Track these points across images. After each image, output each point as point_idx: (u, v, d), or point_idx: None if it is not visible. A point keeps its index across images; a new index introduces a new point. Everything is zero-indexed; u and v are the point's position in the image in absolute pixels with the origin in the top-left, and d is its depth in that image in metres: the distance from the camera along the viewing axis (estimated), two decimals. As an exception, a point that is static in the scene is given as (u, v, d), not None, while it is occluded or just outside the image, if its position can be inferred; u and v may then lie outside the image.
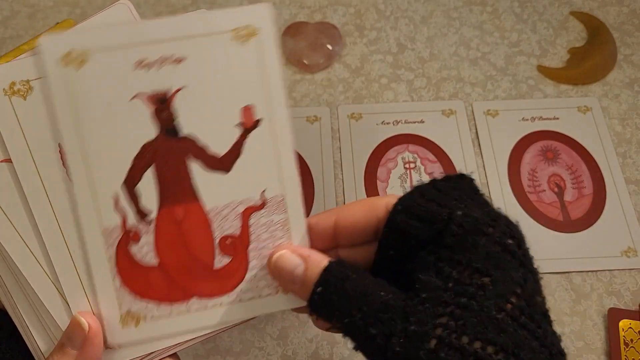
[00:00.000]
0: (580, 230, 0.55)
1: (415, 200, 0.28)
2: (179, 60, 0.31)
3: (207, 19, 0.31)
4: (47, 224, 0.31)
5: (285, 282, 0.30)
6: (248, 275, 0.32)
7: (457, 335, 0.24)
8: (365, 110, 0.62)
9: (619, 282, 0.53)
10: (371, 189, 0.57)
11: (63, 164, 0.30)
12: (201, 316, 0.32)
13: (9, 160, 0.30)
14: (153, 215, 0.31)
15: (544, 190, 0.57)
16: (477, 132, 0.61)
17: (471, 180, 0.29)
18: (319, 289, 0.27)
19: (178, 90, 0.31)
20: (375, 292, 0.26)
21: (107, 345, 0.31)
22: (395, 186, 0.57)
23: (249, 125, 0.32)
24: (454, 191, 0.28)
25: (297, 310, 0.32)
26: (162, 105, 0.31)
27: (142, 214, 0.31)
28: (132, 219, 0.31)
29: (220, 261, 0.32)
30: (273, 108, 0.31)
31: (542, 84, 0.64)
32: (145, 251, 0.31)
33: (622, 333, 0.49)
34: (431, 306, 0.25)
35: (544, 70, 0.64)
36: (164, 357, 0.32)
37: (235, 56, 0.31)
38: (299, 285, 0.29)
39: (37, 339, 0.31)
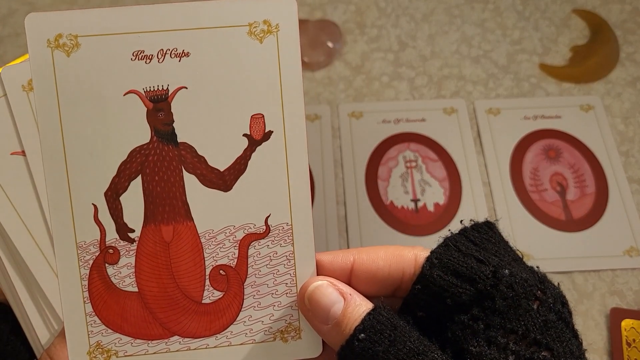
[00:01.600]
0: (582, 230, 0.55)
1: (451, 255, 0.25)
2: (182, 55, 0.27)
3: (218, 9, 0.27)
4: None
5: (315, 319, 0.26)
6: (241, 315, 0.28)
7: None
8: (366, 109, 0.61)
9: (622, 282, 0.52)
10: (372, 188, 0.57)
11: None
12: (181, 358, 0.28)
13: (23, 153, 0.31)
14: (137, 233, 0.27)
15: (546, 190, 0.57)
16: (478, 131, 0.60)
17: (498, 229, 0.27)
18: (361, 335, 0.23)
19: (179, 89, 0.27)
20: (430, 353, 0.23)
21: None
22: (396, 185, 0.57)
23: (257, 138, 0.27)
24: (489, 244, 0.26)
25: None
26: (159, 105, 0.27)
27: (124, 230, 0.27)
28: (112, 234, 0.27)
29: (210, 295, 0.28)
30: (288, 120, 0.27)
31: (544, 82, 0.63)
32: (123, 275, 0.27)
33: (624, 333, 0.49)
34: None
35: (546, 69, 0.64)
36: None
37: (248, 55, 0.27)
38: (333, 327, 0.25)
39: (38, 330, 0.31)
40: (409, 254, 0.26)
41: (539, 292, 0.24)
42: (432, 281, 0.25)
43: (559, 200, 0.56)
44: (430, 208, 0.56)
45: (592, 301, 0.51)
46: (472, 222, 0.27)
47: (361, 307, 0.25)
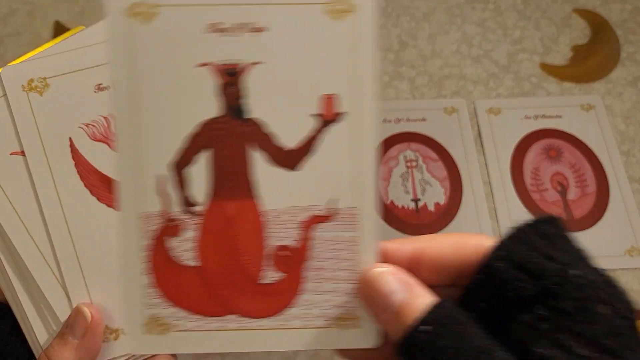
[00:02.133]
0: (583, 229, 0.55)
1: (518, 247, 0.24)
2: (258, 30, 0.26)
3: None
4: (54, 217, 0.31)
5: (375, 306, 0.25)
6: (299, 299, 0.27)
7: None
8: (366, 108, 0.61)
9: (622, 282, 0.52)
10: (372, 187, 0.57)
11: (72, 157, 0.32)
12: (237, 337, 0.27)
13: (22, 153, 0.32)
14: (200, 207, 0.27)
15: (547, 189, 0.57)
16: (479, 131, 0.60)
17: (564, 224, 0.26)
18: (424, 328, 0.23)
19: (252, 64, 0.27)
20: (495, 352, 0.22)
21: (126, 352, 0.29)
22: (396, 185, 0.57)
23: (328, 118, 0.27)
24: (557, 239, 0.25)
25: (347, 354, 0.28)
26: (231, 79, 0.27)
27: (188, 204, 0.27)
28: (175, 207, 0.27)
29: (269, 276, 0.27)
30: (361, 102, 0.27)
31: (545, 81, 0.63)
32: (184, 248, 0.27)
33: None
34: None
35: (547, 68, 0.64)
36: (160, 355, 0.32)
37: (324, 33, 0.26)
38: (392, 315, 0.24)
39: (37, 331, 0.31)
40: (470, 241, 0.26)
41: (608, 296, 0.23)
42: (495, 272, 0.24)
43: (560, 200, 0.56)
44: (431, 208, 0.56)
45: (593, 301, 0.51)
46: (540, 216, 0.26)
47: (425, 298, 0.24)
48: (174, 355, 0.33)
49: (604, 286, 0.23)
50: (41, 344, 0.31)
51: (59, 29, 0.66)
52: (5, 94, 0.32)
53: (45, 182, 0.31)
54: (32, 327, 0.32)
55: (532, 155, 0.59)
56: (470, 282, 0.25)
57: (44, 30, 0.66)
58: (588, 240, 0.54)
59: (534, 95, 0.63)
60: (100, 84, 0.32)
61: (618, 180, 0.57)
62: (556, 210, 0.56)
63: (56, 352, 0.30)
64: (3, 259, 0.32)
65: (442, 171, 0.58)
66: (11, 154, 0.32)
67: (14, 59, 0.34)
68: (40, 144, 0.32)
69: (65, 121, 0.32)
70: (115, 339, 0.31)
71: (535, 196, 0.56)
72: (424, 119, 0.61)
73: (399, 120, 0.61)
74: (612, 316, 0.22)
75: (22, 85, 0.31)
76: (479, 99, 0.62)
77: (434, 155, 0.58)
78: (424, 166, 0.58)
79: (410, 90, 0.63)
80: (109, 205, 0.32)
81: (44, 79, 0.32)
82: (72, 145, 0.32)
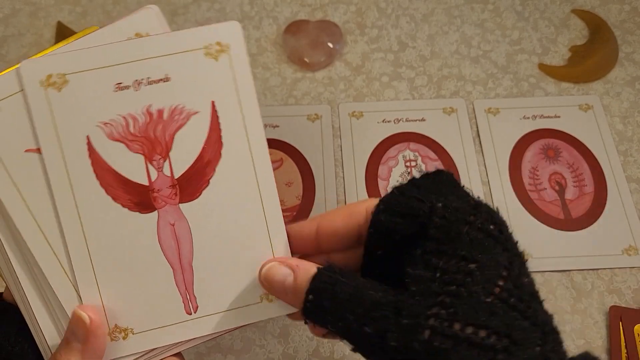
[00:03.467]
0: (581, 229, 0.55)
1: (395, 198, 0.29)
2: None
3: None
4: (68, 216, 0.31)
5: (277, 292, 0.31)
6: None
7: (449, 323, 0.24)
8: (366, 109, 0.62)
9: (620, 281, 0.53)
10: (372, 187, 0.57)
11: (89, 155, 0.32)
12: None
13: (38, 151, 0.31)
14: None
15: (545, 189, 0.57)
16: (478, 130, 0.61)
17: (450, 174, 0.30)
18: (310, 297, 0.28)
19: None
20: (365, 292, 0.27)
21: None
22: (396, 184, 0.57)
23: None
24: (433, 185, 0.29)
25: (292, 317, 0.33)
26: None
27: None
28: None
29: None
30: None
31: (543, 82, 0.64)
32: None
33: (638, 338, 0.49)
34: (421, 298, 0.25)
35: (545, 69, 0.64)
36: (167, 356, 0.32)
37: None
38: (292, 294, 0.29)
39: (45, 332, 0.31)
40: (360, 208, 0.30)
41: (471, 217, 0.27)
42: (380, 224, 0.28)
43: (558, 200, 0.57)
44: (430, 207, 0.56)
45: (591, 299, 0.52)
46: (422, 172, 0.30)
47: (309, 272, 0.28)
48: (181, 357, 0.33)
49: (468, 209, 0.27)
50: (50, 345, 0.31)
51: (62, 30, 0.66)
52: (22, 90, 0.31)
53: (60, 181, 0.31)
54: (40, 328, 0.31)
55: (531, 154, 0.59)
56: (367, 238, 0.29)
57: (46, 31, 0.67)
58: (586, 240, 0.54)
59: (532, 96, 0.63)
60: (120, 83, 0.32)
61: (616, 180, 0.58)
62: (554, 210, 0.56)
63: (62, 358, 0.30)
64: (14, 260, 0.31)
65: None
66: (26, 151, 0.31)
67: (17, 60, 0.34)
68: (57, 141, 0.31)
69: (83, 119, 0.31)
70: (124, 338, 0.31)
71: (533, 195, 0.57)
72: (423, 119, 0.61)
73: (398, 120, 0.61)
74: (472, 231, 0.26)
75: (40, 81, 0.31)
76: (477, 99, 0.63)
77: (433, 155, 0.59)
78: (423, 166, 0.58)
79: (410, 90, 0.63)
80: (124, 206, 0.32)
81: (63, 75, 0.31)
82: (89, 144, 0.31)
